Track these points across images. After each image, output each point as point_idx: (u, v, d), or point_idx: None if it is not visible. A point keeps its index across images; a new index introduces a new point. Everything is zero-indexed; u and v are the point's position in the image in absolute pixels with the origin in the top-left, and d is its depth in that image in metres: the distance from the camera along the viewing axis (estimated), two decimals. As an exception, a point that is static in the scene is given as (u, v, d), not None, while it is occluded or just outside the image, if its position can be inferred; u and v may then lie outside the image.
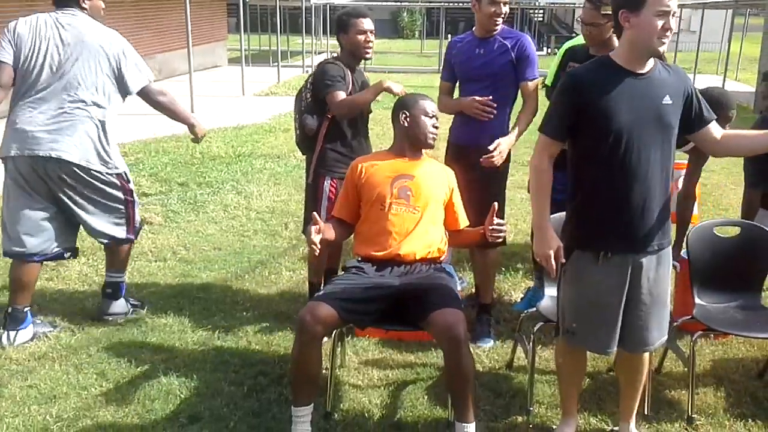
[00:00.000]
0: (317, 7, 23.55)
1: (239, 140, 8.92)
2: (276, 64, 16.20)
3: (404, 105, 3.21)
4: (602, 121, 2.48)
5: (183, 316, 4.00)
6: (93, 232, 3.73)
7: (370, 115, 3.94)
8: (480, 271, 3.97)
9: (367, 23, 3.68)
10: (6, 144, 3.52)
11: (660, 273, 2.64)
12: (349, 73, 3.68)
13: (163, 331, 3.81)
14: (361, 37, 3.66)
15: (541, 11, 33.88)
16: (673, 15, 2.42)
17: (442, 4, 25.11)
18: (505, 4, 3.61)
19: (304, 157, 3.92)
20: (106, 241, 3.78)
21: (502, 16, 3.61)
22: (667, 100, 2.52)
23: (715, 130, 2.67)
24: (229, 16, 21.35)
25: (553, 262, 2.58)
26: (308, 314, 2.78)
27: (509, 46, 3.64)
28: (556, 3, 29.21)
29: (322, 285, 3.80)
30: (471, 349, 2.88)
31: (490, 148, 3.47)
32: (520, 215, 6.03)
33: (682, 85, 2.58)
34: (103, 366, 3.43)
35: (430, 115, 3.18)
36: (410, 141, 3.19)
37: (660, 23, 2.40)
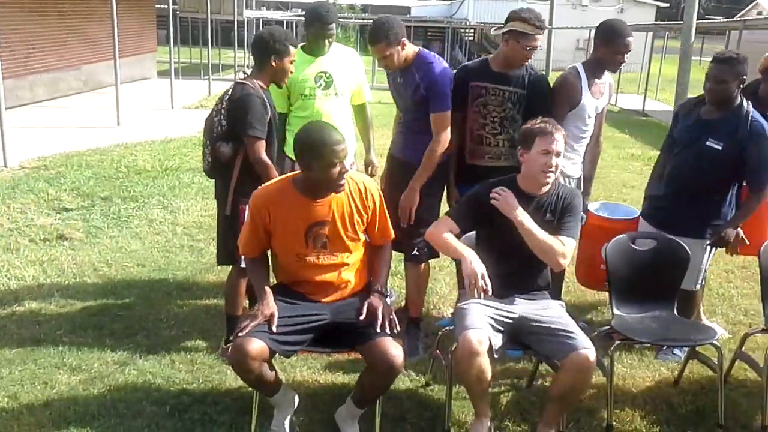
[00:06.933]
0: (250, 21, 23.36)
1: (166, 154, 8.72)
2: (207, 77, 15.97)
3: (305, 152, 2.81)
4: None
5: (103, 335, 3.87)
6: None
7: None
8: (411, 285, 4.00)
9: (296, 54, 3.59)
10: None
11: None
12: (266, 99, 3.48)
13: (82, 351, 3.67)
14: (291, 67, 3.56)
15: (472, 30, 34.63)
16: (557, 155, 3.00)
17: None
18: (384, 58, 3.59)
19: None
20: None
21: (387, 66, 3.65)
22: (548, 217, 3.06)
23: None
24: (160, 28, 20.89)
25: (482, 282, 2.87)
26: (237, 354, 2.71)
27: (418, 79, 3.63)
28: (487, 22, 29.92)
29: (248, 304, 3.76)
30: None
31: None
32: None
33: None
34: (16, 388, 3.27)
35: (335, 161, 2.78)
36: (317, 187, 2.88)
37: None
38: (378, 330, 2.82)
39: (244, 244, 3.07)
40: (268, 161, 3.44)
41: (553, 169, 3.00)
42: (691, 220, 3.70)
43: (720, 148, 3.59)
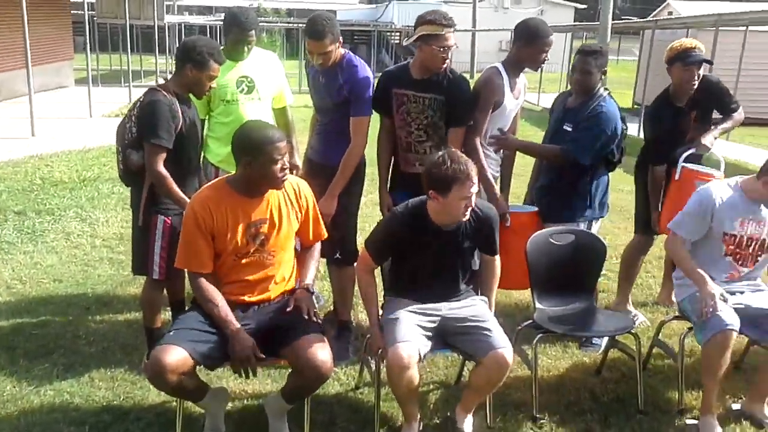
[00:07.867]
0: (171, 26, 22.84)
1: (84, 164, 8.42)
2: (127, 84, 15.51)
3: (248, 150, 2.81)
4: None
5: (16, 355, 3.69)
6: None
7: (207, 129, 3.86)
8: (338, 289, 3.97)
9: (219, 71, 3.45)
10: None
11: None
12: (178, 107, 3.35)
13: (-8, 374, 3.49)
14: (209, 83, 3.41)
15: (398, 33, 34.88)
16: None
17: (301, 25, 25.19)
18: (324, 54, 3.53)
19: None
20: None
21: (321, 63, 3.58)
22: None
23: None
24: (77, 34, 20.18)
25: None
26: (154, 367, 2.58)
27: (342, 81, 3.60)
28: (412, 26, 30.16)
29: (172, 317, 3.65)
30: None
31: None
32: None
33: None
34: None
35: (278, 158, 2.82)
36: (258, 184, 2.90)
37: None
38: (305, 319, 2.84)
39: (194, 259, 2.88)
40: (164, 172, 3.28)
41: (471, 206, 2.93)
42: (564, 206, 3.85)
43: (570, 129, 3.78)
